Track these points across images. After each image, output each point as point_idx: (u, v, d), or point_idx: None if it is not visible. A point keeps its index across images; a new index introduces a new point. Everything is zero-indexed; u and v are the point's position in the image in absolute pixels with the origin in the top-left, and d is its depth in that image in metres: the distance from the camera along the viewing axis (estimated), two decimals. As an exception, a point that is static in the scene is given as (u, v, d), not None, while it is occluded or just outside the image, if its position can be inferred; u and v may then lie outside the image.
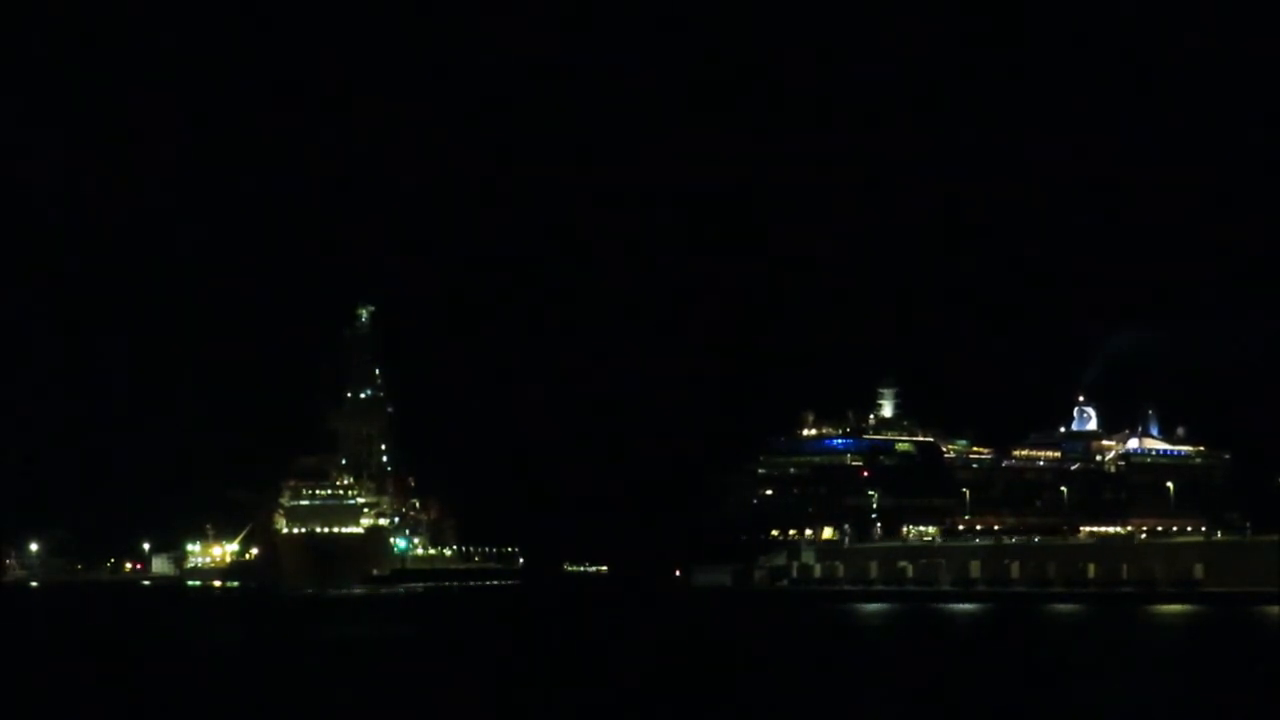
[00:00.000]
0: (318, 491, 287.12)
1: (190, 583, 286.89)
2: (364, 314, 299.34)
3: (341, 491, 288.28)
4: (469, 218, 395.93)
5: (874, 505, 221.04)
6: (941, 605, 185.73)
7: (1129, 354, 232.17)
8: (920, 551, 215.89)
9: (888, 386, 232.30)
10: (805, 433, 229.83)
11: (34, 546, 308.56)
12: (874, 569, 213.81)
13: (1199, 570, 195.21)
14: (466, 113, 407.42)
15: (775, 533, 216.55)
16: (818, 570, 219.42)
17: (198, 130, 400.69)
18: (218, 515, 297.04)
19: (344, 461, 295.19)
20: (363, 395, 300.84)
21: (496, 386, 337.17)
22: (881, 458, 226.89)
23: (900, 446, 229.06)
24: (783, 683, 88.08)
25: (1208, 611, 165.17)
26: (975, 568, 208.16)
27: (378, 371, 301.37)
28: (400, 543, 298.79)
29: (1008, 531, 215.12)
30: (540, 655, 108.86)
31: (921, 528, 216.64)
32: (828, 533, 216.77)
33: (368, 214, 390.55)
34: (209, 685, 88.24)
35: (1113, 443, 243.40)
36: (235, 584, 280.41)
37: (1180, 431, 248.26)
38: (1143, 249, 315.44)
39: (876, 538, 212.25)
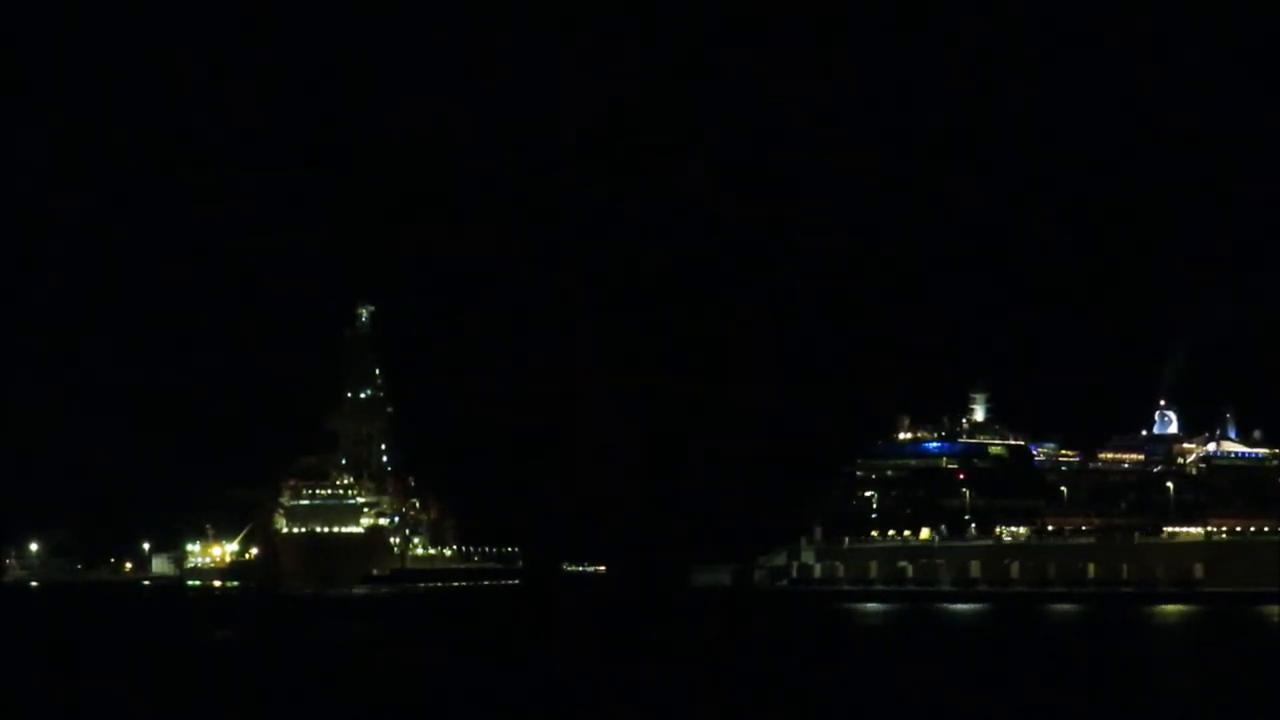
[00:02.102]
0: (318, 491, 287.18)
1: (190, 583, 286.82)
2: (364, 314, 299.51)
3: (341, 491, 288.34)
4: (473, 215, 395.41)
5: (968, 506, 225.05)
6: (941, 605, 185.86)
7: (1207, 350, 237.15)
8: (920, 551, 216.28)
9: (979, 391, 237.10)
10: (901, 436, 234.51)
11: (34, 546, 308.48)
12: (874, 569, 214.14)
13: (1199, 570, 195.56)
14: (475, 103, 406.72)
15: (874, 533, 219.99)
16: (818, 570, 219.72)
17: (197, 127, 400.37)
18: (218, 515, 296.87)
19: (344, 461, 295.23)
20: (363, 395, 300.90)
21: (496, 388, 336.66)
22: (975, 460, 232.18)
23: (993, 450, 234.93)
24: (784, 684, 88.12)
25: (1208, 611, 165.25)
26: (975, 568, 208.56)
27: (378, 371, 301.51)
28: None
29: (1094, 531, 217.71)
30: (539, 655, 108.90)
31: (1013, 528, 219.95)
32: (924, 533, 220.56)
33: (368, 214, 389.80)
34: (209, 685, 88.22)
35: (1193, 445, 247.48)
36: (235, 584, 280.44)
37: (1257, 434, 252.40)
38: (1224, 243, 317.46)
39: (971, 538, 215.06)
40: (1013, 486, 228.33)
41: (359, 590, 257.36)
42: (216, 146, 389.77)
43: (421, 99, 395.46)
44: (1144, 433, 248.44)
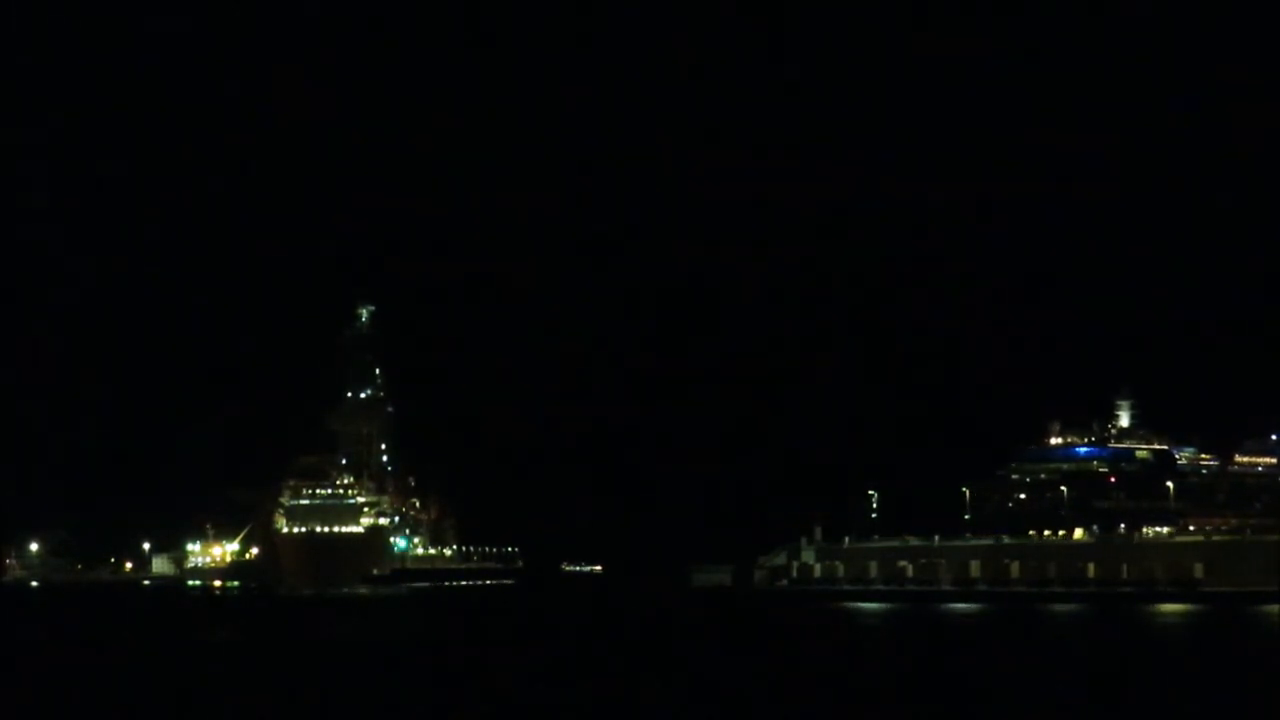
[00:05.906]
0: (318, 491, 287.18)
1: (190, 583, 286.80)
2: (364, 314, 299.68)
3: (341, 491, 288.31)
4: (475, 215, 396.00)
5: (1118, 508, 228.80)
6: (941, 605, 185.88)
7: None
8: (920, 551, 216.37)
9: (1124, 398, 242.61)
10: (1052, 441, 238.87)
11: (34, 546, 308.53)
12: (874, 569, 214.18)
13: (1199, 570, 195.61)
14: (473, 105, 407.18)
15: (1032, 533, 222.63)
16: (818, 570, 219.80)
17: (197, 128, 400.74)
18: (218, 515, 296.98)
19: (344, 461, 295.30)
20: (363, 395, 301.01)
21: (495, 386, 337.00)
22: (1123, 464, 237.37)
23: (1140, 454, 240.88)
24: (785, 684, 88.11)
25: (1208, 611, 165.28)
26: (975, 568, 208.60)
27: (378, 371, 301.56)
28: (400, 542, 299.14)
29: (1231, 531, 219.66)
30: (539, 655, 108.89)
31: (1157, 529, 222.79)
32: (1079, 533, 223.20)
33: (367, 214, 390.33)
34: (209, 685, 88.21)
35: None
36: (235, 584, 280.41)
37: None
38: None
39: (1119, 539, 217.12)
40: (1158, 488, 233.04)
41: (359, 590, 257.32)
42: (216, 147, 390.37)
43: (421, 100, 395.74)
44: (1274, 436, 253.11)
